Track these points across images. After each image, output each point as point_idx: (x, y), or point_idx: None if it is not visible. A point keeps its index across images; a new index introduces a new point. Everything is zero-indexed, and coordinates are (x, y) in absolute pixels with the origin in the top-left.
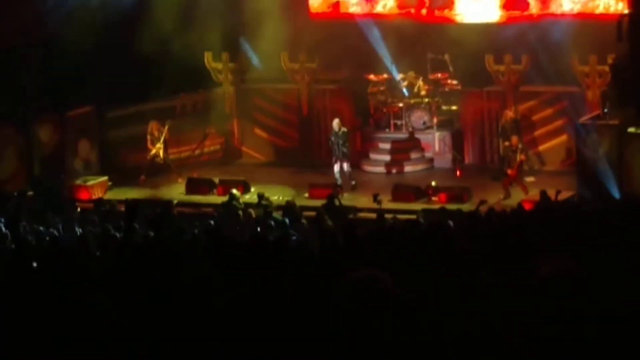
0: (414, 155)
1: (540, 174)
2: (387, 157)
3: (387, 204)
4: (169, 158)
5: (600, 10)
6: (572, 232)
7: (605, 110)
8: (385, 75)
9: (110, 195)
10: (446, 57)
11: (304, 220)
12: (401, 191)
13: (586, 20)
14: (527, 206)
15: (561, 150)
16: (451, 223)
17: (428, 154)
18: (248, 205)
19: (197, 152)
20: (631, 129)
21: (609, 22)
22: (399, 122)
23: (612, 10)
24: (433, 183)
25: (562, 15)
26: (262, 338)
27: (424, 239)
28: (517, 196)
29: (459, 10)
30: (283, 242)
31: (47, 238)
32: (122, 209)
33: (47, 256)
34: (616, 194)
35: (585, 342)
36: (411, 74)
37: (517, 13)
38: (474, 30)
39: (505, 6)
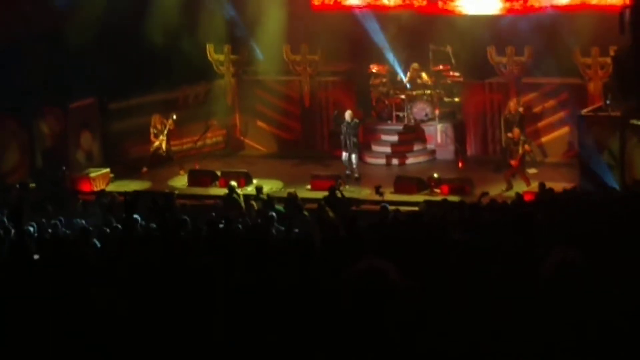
0: (416, 147)
1: (542, 165)
2: (389, 149)
3: (389, 195)
4: (171, 150)
5: (601, 1)
6: (574, 224)
7: (607, 102)
8: (387, 67)
9: (112, 187)
10: (448, 48)
11: (306, 212)
12: (403, 183)
13: (588, 12)
14: (528, 197)
15: (563, 142)
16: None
17: (430, 146)
18: (248, 197)
19: (199, 144)
20: (633, 121)
21: (611, 13)
22: (401, 114)
23: (614, 1)
24: (435, 175)
25: (564, 6)
26: (263, 329)
27: (424, 231)
28: (519, 188)
29: (461, 1)
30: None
31: (49, 230)
32: (124, 200)
33: (48, 248)
34: (615, 185)
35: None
36: (413, 65)
37: (518, 4)
38: (476, 21)
39: None
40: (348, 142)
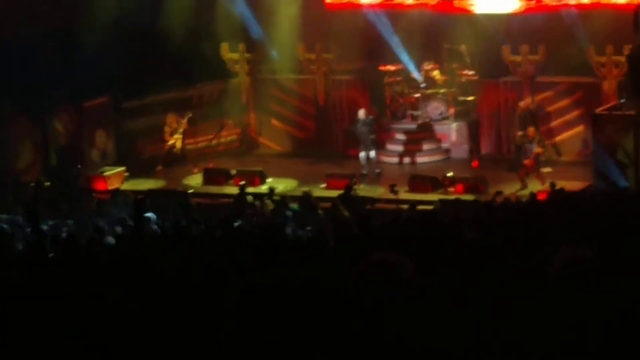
0: (430, 145)
1: (556, 164)
2: (403, 148)
3: (403, 194)
4: (186, 148)
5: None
6: (585, 222)
7: (622, 100)
8: (401, 66)
9: (127, 186)
10: (463, 47)
11: (320, 211)
12: (418, 182)
13: (603, 11)
14: (542, 196)
15: (577, 140)
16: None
17: (444, 145)
18: (262, 196)
19: (214, 142)
20: None
21: (626, 12)
22: (415, 113)
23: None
24: (449, 174)
25: (579, 5)
26: (273, 330)
27: (438, 230)
28: (533, 187)
29: (476, 0)
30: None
31: (64, 228)
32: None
33: (63, 247)
34: (628, 184)
35: (600, 330)
36: (428, 64)
37: (533, 3)
38: (490, 20)
39: None
40: (365, 140)
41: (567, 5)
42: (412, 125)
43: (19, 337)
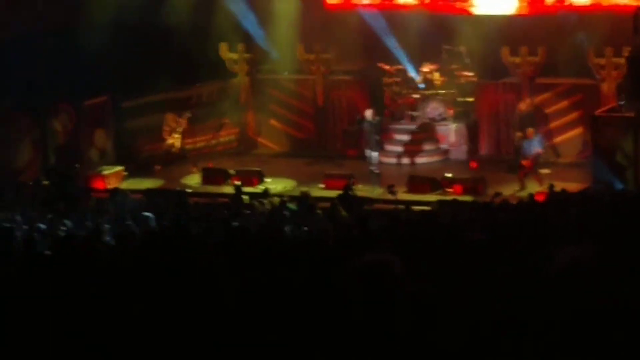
0: (428, 146)
1: (555, 166)
2: (402, 148)
3: (402, 195)
4: (185, 148)
5: (615, 2)
6: (585, 223)
7: (621, 102)
8: (400, 67)
9: (125, 185)
10: (462, 48)
11: (318, 211)
12: (416, 182)
13: (602, 12)
14: (540, 198)
15: (577, 142)
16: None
17: (443, 146)
18: (258, 196)
19: (212, 142)
20: None
21: (626, 14)
22: (414, 114)
23: (628, 2)
24: (448, 174)
25: (578, 6)
26: (272, 328)
27: (438, 230)
28: (532, 188)
29: (476, 1)
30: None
31: (62, 227)
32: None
33: (61, 245)
34: (626, 186)
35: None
36: (427, 65)
37: (532, 5)
38: (489, 21)
39: None
40: (370, 140)
41: (566, 7)
42: (411, 126)
43: (19, 336)
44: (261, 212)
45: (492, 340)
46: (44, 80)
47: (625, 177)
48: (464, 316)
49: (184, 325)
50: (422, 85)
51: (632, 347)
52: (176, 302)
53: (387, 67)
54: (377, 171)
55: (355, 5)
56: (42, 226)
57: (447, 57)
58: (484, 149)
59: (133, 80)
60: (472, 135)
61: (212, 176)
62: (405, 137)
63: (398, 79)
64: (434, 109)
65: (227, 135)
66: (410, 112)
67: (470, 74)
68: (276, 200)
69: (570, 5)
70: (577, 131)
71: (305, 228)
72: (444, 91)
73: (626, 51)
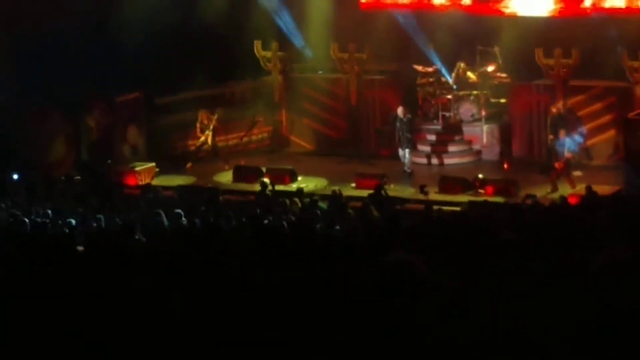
0: (461, 147)
1: (587, 168)
2: (434, 149)
3: (433, 195)
4: (217, 146)
5: None
6: (619, 226)
7: None
8: (433, 67)
9: (157, 182)
10: (496, 49)
11: (350, 210)
12: (448, 183)
13: (637, 15)
14: (573, 200)
15: (609, 144)
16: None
17: (476, 146)
18: (289, 195)
19: (245, 140)
20: None
21: None
22: (447, 114)
23: None
24: (480, 175)
25: (613, 9)
26: (301, 324)
27: (470, 230)
28: (564, 190)
29: (512, 2)
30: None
31: (94, 223)
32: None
33: (93, 241)
34: None
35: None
36: (460, 65)
37: (568, 7)
38: (524, 23)
39: (557, 0)
40: (402, 138)
41: (601, 9)
42: (443, 127)
43: (56, 329)
44: (292, 211)
45: (523, 338)
46: (78, 76)
47: None
48: (494, 314)
49: (216, 321)
50: (455, 86)
51: None
52: (208, 298)
53: (420, 67)
54: (409, 170)
55: (390, 5)
56: (74, 222)
57: (481, 58)
58: (517, 151)
59: (166, 76)
60: (505, 137)
61: (243, 174)
62: (436, 138)
63: (431, 80)
64: (467, 109)
65: (259, 133)
66: (443, 113)
67: (504, 75)
68: (306, 199)
69: (605, 7)
70: (609, 134)
71: (337, 227)
72: (477, 92)
73: None
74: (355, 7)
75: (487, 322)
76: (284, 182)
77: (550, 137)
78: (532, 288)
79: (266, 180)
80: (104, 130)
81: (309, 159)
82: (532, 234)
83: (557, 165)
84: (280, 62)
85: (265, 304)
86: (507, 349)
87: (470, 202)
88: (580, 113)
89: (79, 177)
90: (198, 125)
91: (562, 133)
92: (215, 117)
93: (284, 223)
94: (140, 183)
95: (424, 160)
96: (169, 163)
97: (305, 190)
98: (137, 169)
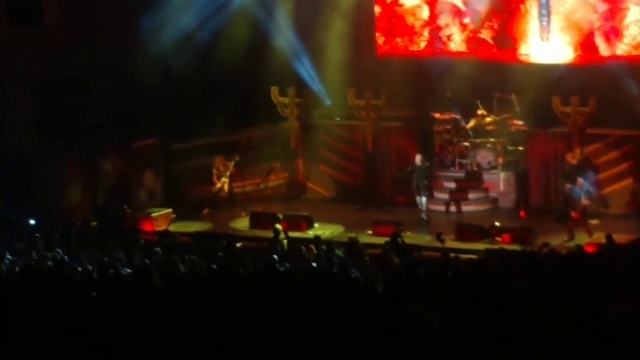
0: (478, 194)
1: (604, 217)
2: (451, 196)
3: (450, 243)
4: (234, 192)
5: None
6: (635, 275)
7: None
8: (451, 114)
9: (173, 228)
10: (513, 97)
11: (366, 258)
12: (465, 230)
13: None
14: (590, 249)
15: (626, 193)
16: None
17: (492, 194)
18: (302, 241)
19: (261, 186)
20: None
21: None
22: (464, 161)
23: None
24: (497, 223)
25: (630, 57)
26: None
27: (486, 278)
28: (581, 239)
29: (528, 50)
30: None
31: (111, 271)
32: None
33: (109, 286)
34: None
35: None
36: (478, 113)
37: (585, 55)
38: (541, 70)
39: (575, 48)
40: (419, 185)
41: (618, 57)
42: (460, 174)
43: None
44: (308, 258)
45: None
46: (95, 120)
47: None
48: None
49: None
50: (472, 133)
51: None
52: (224, 345)
53: (438, 115)
54: (425, 218)
55: (407, 51)
56: (90, 267)
57: (498, 105)
58: (533, 198)
59: (184, 122)
60: (522, 184)
61: (260, 220)
62: (453, 185)
63: (449, 127)
64: (483, 157)
65: (276, 180)
66: (460, 160)
67: (521, 122)
68: (322, 246)
69: (622, 55)
70: (626, 182)
71: (354, 274)
72: (494, 139)
73: None
74: (372, 54)
75: None
76: (300, 229)
77: (567, 185)
78: (548, 340)
79: (278, 226)
80: (121, 176)
81: (325, 205)
82: (548, 282)
83: (573, 213)
84: (297, 109)
85: (280, 351)
86: None
87: (487, 250)
88: (597, 161)
89: (95, 222)
90: (214, 171)
91: (579, 181)
92: (233, 163)
93: (301, 269)
94: (156, 229)
95: (441, 208)
96: (186, 209)
97: (322, 237)
98: (154, 214)
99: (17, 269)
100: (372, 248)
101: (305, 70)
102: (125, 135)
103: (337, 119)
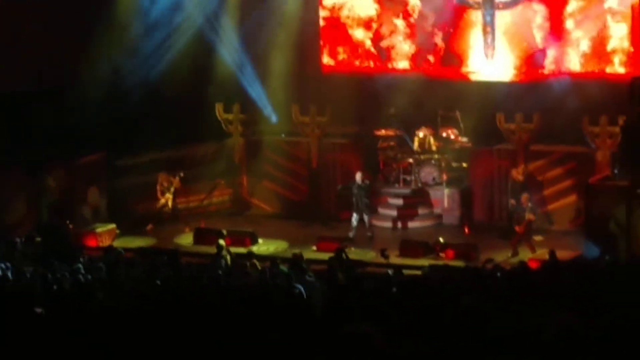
0: (422, 211)
1: (548, 233)
2: (395, 212)
3: (394, 259)
4: (178, 208)
5: (612, 71)
6: (577, 291)
7: (615, 171)
8: (395, 131)
9: (117, 243)
10: (457, 114)
11: (310, 274)
12: (409, 247)
13: (597, 81)
14: (533, 265)
15: (570, 210)
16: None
17: (437, 210)
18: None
19: (205, 202)
20: None
21: (621, 83)
22: (408, 178)
23: (624, 71)
24: (441, 239)
25: (574, 74)
26: None
27: (432, 294)
28: (524, 255)
29: (472, 67)
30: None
31: (55, 287)
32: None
33: (53, 302)
34: (618, 255)
35: None
36: (421, 130)
37: (529, 72)
38: (485, 87)
39: (520, 66)
40: (360, 204)
41: (562, 74)
42: (405, 190)
43: None
44: (252, 274)
45: None
46: (39, 136)
47: (618, 246)
48: None
49: None
50: (416, 150)
51: None
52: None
53: (382, 131)
54: (370, 234)
55: (352, 68)
56: (33, 283)
57: (442, 122)
58: (477, 215)
59: (128, 138)
60: (466, 201)
61: (204, 236)
62: (398, 202)
63: (392, 144)
64: (428, 173)
65: (220, 196)
66: (404, 177)
67: (465, 139)
68: (266, 262)
69: (566, 72)
70: (570, 199)
71: (297, 289)
72: (438, 156)
73: (621, 120)
74: (316, 69)
75: None
76: (244, 245)
77: (512, 201)
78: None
79: (221, 242)
80: (65, 191)
81: (269, 221)
82: (492, 298)
83: (517, 229)
84: (242, 125)
85: None
86: None
87: (431, 266)
88: (541, 177)
89: (39, 238)
90: (158, 187)
91: (524, 196)
92: (177, 179)
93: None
94: (100, 245)
95: (387, 224)
96: (130, 225)
97: (265, 252)
98: (98, 230)
99: None
100: (316, 264)
101: (251, 86)
102: (70, 151)
103: (282, 135)
